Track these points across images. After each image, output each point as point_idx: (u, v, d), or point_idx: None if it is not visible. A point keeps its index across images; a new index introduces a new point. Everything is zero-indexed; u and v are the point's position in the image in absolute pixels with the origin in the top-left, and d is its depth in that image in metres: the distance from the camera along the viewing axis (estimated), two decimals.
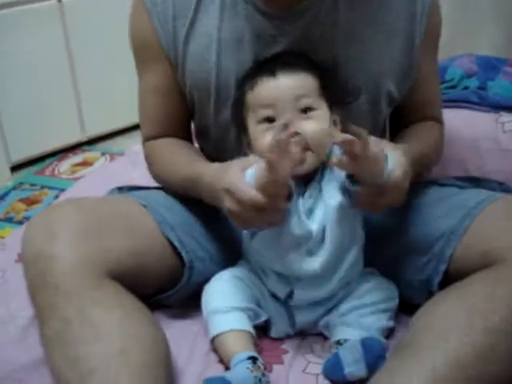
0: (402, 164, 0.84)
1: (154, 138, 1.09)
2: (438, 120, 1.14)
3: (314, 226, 0.90)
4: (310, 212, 0.91)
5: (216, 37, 0.98)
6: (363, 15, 0.98)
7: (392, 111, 1.10)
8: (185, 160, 1.02)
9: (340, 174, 0.85)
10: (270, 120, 0.90)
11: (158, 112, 1.08)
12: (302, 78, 0.91)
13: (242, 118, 0.95)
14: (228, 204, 0.84)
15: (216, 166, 0.93)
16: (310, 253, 0.92)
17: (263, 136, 0.90)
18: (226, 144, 1.06)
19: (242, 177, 0.84)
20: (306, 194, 0.91)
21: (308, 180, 0.92)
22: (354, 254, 0.94)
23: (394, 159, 0.83)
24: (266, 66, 0.93)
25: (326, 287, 0.94)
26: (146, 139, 1.11)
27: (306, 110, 0.90)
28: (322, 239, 0.91)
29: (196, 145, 1.16)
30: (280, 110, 0.89)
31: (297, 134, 0.86)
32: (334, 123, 0.94)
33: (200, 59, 0.99)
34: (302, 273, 0.92)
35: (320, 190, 0.91)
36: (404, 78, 1.04)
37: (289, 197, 0.83)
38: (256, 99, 0.91)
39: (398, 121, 1.13)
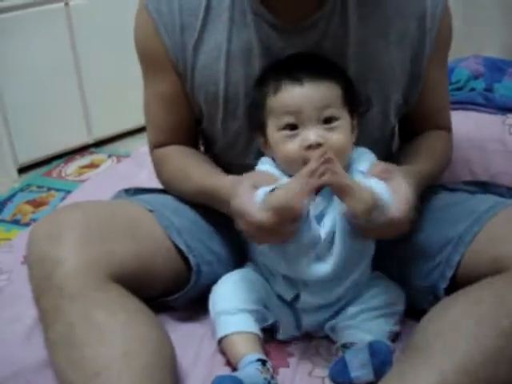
0: (407, 198, 0.85)
1: (161, 145, 1.09)
2: (447, 128, 1.13)
3: (323, 231, 0.90)
4: (321, 217, 0.91)
5: (225, 48, 0.96)
6: (374, 27, 0.97)
7: (402, 118, 1.09)
8: (198, 172, 1.01)
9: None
10: (291, 127, 0.89)
11: (164, 120, 1.07)
12: (327, 88, 0.89)
13: (260, 119, 0.94)
14: (239, 224, 0.86)
15: (230, 179, 0.93)
16: (319, 258, 0.91)
17: (284, 143, 0.90)
18: (232, 153, 1.06)
19: (252, 197, 0.84)
20: (317, 199, 0.90)
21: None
22: (366, 263, 0.95)
23: (387, 194, 0.83)
24: (289, 70, 0.91)
25: (333, 293, 0.94)
26: (154, 146, 1.10)
27: (329, 120, 0.89)
28: (332, 245, 0.90)
29: (202, 148, 1.16)
30: (304, 119, 0.88)
31: (319, 145, 0.87)
32: (352, 129, 0.94)
33: (209, 71, 0.98)
34: (310, 278, 0.92)
35: (331, 196, 0.90)
36: (412, 89, 1.03)
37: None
38: (279, 104, 0.90)
39: (408, 128, 1.12)
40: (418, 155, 1.03)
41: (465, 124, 1.29)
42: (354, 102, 0.94)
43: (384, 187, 0.85)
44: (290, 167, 0.91)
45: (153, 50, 1.01)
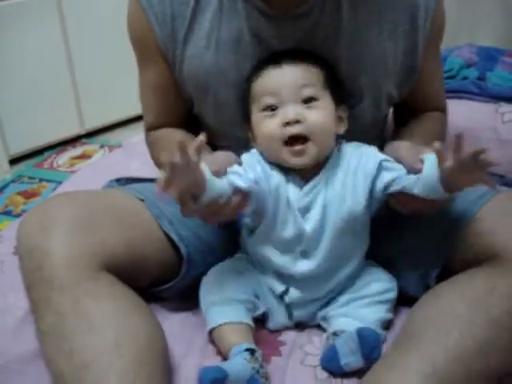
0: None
1: (156, 127, 1.11)
2: (443, 109, 1.15)
3: (308, 225, 0.90)
4: (306, 211, 0.91)
5: (215, 37, 0.97)
6: (367, 17, 0.97)
7: (397, 104, 1.09)
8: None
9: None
10: (272, 108, 0.90)
11: (156, 105, 1.09)
12: (306, 69, 0.91)
13: (247, 110, 0.95)
14: None
15: None
16: (305, 254, 0.92)
17: (264, 123, 0.90)
18: (224, 143, 1.06)
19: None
20: (302, 192, 0.91)
21: (307, 177, 0.91)
22: (358, 258, 0.95)
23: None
24: (271, 57, 0.93)
25: (322, 289, 0.94)
26: (148, 129, 1.13)
27: (308, 100, 0.89)
28: (319, 241, 0.91)
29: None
30: (283, 98, 0.89)
31: (298, 122, 0.86)
32: (341, 119, 0.94)
33: (198, 60, 0.98)
34: (296, 273, 0.92)
35: (321, 191, 0.91)
36: (406, 81, 1.03)
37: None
38: (260, 88, 0.91)
39: (404, 113, 1.13)
40: (417, 138, 1.02)
41: (458, 112, 1.29)
42: (336, 86, 0.94)
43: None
44: (270, 149, 0.90)
45: (143, 39, 1.01)
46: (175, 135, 1.07)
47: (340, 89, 0.95)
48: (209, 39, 0.97)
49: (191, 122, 1.13)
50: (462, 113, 1.31)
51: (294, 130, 0.87)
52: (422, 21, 0.99)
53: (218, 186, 0.81)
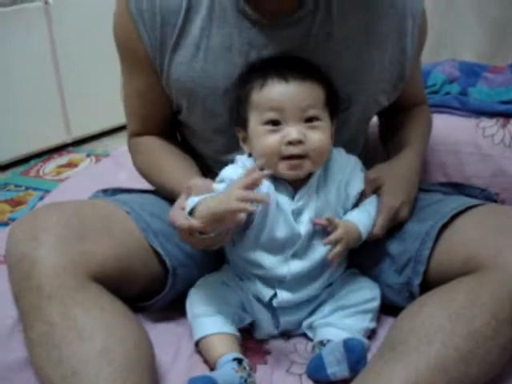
0: (386, 207, 0.96)
1: (139, 134, 1.11)
2: (425, 102, 1.23)
3: (301, 228, 0.92)
4: (298, 214, 0.93)
5: (204, 45, 0.97)
6: (356, 26, 0.98)
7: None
8: (167, 170, 1.05)
9: None
10: (274, 122, 0.91)
11: (140, 113, 1.09)
12: (311, 88, 0.91)
13: (242, 114, 0.95)
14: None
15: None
16: (296, 255, 0.93)
17: (265, 138, 0.91)
18: (209, 149, 1.08)
19: (182, 204, 0.87)
20: (297, 197, 0.93)
21: (297, 184, 0.93)
22: (342, 257, 0.96)
23: (366, 218, 0.94)
24: (277, 68, 0.92)
25: (309, 289, 0.95)
26: (131, 135, 1.13)
27: (310, 120, 0.91)
28: (312, 243, 0.92)
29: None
30: (286, 116, 0.90)
31: (300, 142, 0.88)
32: (331, 136, 0.96)
33: (186, 67, 0.98)
34: (287, 274, 0.93)
35: (312, 191, 0.93)
36: (394, 89, 1.06)
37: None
38: (264, 100, 0.91)
39: (390, 109, 1.16)
40: (409, 136, 1.12)
41: (440, 127, 1.31)
42: (334, 105, 0.96)
43: (368, 217, 0.94)
44: (266, 161, 0.91)
45: (131, 47, 1.01)
46: (156, 146, 1.09)
47: (336, 105, 0.97)
48: (198, 47, 0.97)
49: (174, 128, 1.15)
50: (443, 127, 1.33)
51: (296, 150, 0.89)
52: (410, 28, 1.02)
53: None
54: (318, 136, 0.90)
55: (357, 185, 0.96)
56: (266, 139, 0.91)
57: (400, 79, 1.05)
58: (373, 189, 0.99)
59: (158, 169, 1.06)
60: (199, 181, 0.93)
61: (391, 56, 1.02)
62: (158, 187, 1.08)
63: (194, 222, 0.82)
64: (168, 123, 1.11)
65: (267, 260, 0.94)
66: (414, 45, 1.04)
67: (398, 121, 1.17)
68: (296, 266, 0.93)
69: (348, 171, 0.96)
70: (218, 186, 0.90)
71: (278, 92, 0.90)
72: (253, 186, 0.81)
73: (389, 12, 1.00)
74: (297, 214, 0.93)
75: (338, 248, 0.89)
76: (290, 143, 0.89)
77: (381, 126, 1.25)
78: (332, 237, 0.89)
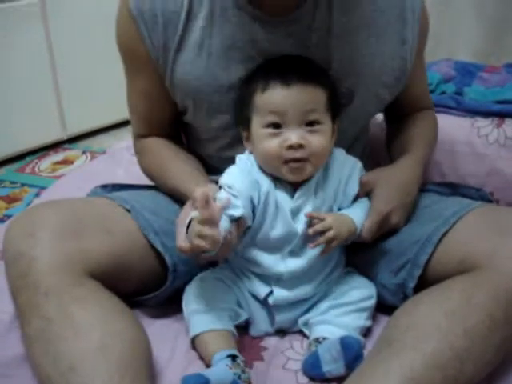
0: (374, 210, 0.96)
1: (144, 135, 1.12)
2: (430, 106, 1.21)
3: (299, 226, 0.93)
4: (296, 212, 0.93)
5: (207, 43, 0.97)
6: (356, 20, 0.98)
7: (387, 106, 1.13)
8: (173, 171, 1.05)
9: None
10: (275, 125, 0.91)
11: (145, 114, 1.10)
12: (313, 92, 0.91)
13: (245, 114, 0.95)
14: None
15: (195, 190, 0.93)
16: (292, 253, 0.94)
17: (266, 141, 0.92)
18: (214, 147, 1.08)
19: (185, 218, 0.86)
20: (296, 195, 0.94)
21: (299, 181, 0.94)
22: (339, 256, 0.98)
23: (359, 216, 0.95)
24: (279, 70, 0.92)
25: (306, 288, 0.96)
26: (136, 136, 1.14)
27: (312, 123, 0.91)
28: (309, 241, 0.93)
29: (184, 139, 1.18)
30: (288, 120, 0.90)
31: (300, 146, 0.89)
32: (332, 133, 0.96)
33: (190, 66, 0.98)
34: (284, 272, 0.94)
35: (310, 191, 0.94)
36: (396, 83, 1.06)
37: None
38: (265, 103, 0.92)
39: (395, 111, 1.17)
40: (411, 142, 1.10)
41: None
42: (336, 108, 0.96)
43: (361, 215, 0.95)
44: (267, 164, 0.93)
45: (133, 49, 1.01)
46: (162, 148, 1.09)
47: (338, 106, 0.97)
48: (201, 46, 0.97)
49: (178, 129, 1.15)
50: (439, 126, 1.34)
51: (297, 154, 0.90)
52: (410, 21, 1.02)
53: (224, 228, 0.83)
54: (318, 140, 0.91)
55: (354, 186, 0.97)
56: (268, 143, 0.91)
57: (402, 72, 1.05)
58: (364, 192, 0.99)
59: (165, 170, 1.06)
60: (204, 189, 0.93)
61: (391, 49, 1.02)
62: (165, 188, 1.08)
63: (187, 247, 0.83)
64: (172, 124, 1.12)
65: (264, 258, 0.94)
66: (415, 39, 1.04)
67: (401, 126, 1.17)
68: (293, 264, 0.94)
69: (347, 172, 0.97)
70: (220, 195, 0.90)
71: (279, 96, 0.91)
72: (212, 220, 0.79)
73: (388, 5, 1.00)
74: (295, 212, 0.93)
75: (328, 234, 0.90)
76: (291, 147, 0.89)
77: (387, 132, 1.24)
78: (319, 226, 0.90)
